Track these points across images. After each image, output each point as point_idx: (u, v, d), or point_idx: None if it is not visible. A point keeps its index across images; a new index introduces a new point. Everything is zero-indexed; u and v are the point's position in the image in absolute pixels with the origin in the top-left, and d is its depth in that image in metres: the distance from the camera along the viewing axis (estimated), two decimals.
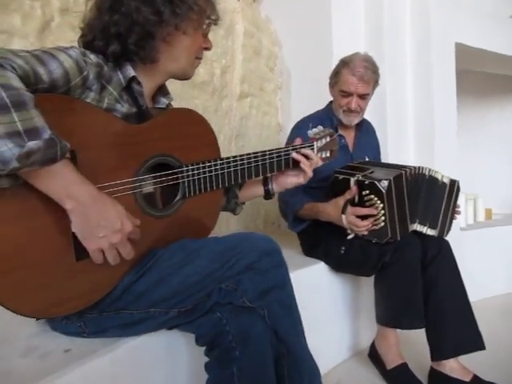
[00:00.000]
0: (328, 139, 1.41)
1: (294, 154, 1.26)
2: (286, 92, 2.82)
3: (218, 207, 1.15)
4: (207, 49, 1.12)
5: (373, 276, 1.76)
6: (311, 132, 1.38)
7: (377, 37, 2.50)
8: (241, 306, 0.94)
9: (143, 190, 0.97)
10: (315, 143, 1.34)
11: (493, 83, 3.59)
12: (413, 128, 2.62)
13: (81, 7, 1.72)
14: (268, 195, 1.37)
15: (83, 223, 0.81)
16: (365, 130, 2.04)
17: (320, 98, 2.56)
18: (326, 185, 1.79)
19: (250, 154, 1.14)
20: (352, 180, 1.64)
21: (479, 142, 3.73)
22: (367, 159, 1.96)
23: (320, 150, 1.37)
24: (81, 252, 0.85)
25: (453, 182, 1.75)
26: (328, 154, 1.43)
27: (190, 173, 1.02)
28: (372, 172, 1.67)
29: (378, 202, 1.57)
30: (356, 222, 1.60)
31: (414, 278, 1.64)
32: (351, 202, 1.64)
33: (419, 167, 1.69)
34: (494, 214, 3.39)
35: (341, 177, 1.71)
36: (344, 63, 1.85)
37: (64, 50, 0.88)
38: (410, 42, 2.57)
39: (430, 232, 1.75)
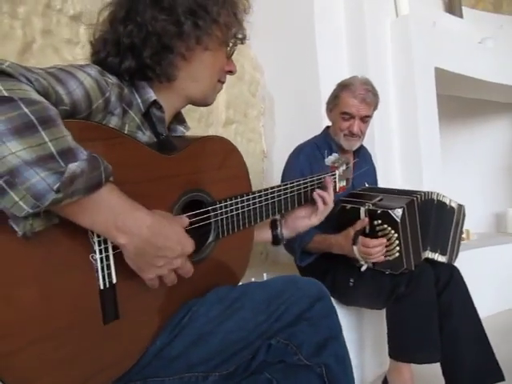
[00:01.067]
0: (345, 167, 1.33)
1: (317, 193, 1.16)
2: (270, 118, 2.75)
3: (251, 246, 1.02)
4: (231, 72, 0.99)
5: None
6: (328, 160, 1.30)
7: (361, 61, 2.50)
8: (295, 364, 0.81)
9: None
10: (336, 172, 1.25)
11: (462, 107, 3.71)
12: (399, 151, 2.62)
13: (64, 29, 1.59)
14: (276, 241, 1.22)
15: (139, 257, 0.68)
16: (362, 155, 1.98)
17: (305, 123, 2.51)
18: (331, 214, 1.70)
19: (280, 185, 1.03)
20: (362, 209, 1.56)
21: (451, 164, 3.82)
22: (366, 185, 1.90)
23: (339, 179, 1.28)
24: (109, 313, 0.70)
25: (460, 207, 1.72)
26: (344, 184, 1.35)
27: (223, 210, 0.89)
28: (381, 200, 1.60)
29: (392, 231, 1.49)
30: (368, 250, 1.51)
31: (431, 309, 1.56)
32: (362, 232, 1.56)
33: (428, 192, 1.64)
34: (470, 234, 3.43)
35: (348, 206, 1.63)
36: (344, 86, 1.80)
37: (80, 67, 0.74)
38: (392, 66, 2.60)
39: (441, 259, 1.69)
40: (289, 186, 1.06)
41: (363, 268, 1.59)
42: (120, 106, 0.80)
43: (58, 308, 0.64)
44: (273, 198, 1.00)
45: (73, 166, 0.58)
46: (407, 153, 2.60)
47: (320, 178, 1.19)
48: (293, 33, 2.53)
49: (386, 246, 1.50)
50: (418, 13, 2.70)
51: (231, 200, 0.91)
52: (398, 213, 1.47)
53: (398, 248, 1.50)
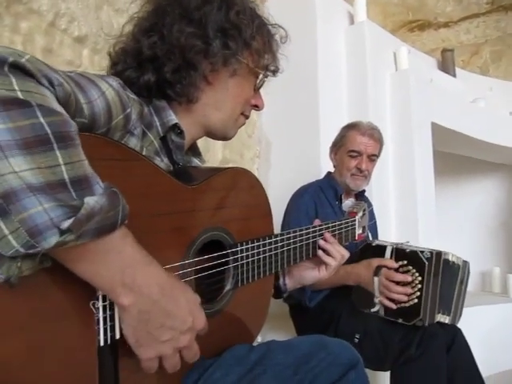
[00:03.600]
0: (361, 213, 1.24)
1: (322, 242, 1.00)
2: (265, 161, 2.68)
3: (269, 298, 0.89)
4: (257, 107, 0.89)
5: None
6: (346, 205, 1.22)
7: (360, 111, 2.47)
8: None
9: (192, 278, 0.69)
10: (356, 217, 1.15)
11: (452, 163, 3.74)
12: (394, 205, 2.56)
13: (66, 50, 1.50)
14: (278, 293, 1.05)
15: (141, 325, 0.54)
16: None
17: (301, 170, 2.44)
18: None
19: (304, 228, 0.92)
20: (389, 247, 1.48)
21: (438, 219, 3.80)
22: (370, 238, 1.80)
23: (358, 225, 1.19)
24: (107, 377, 0.55)
25: (464, 263, 1.63)
26: (361, 231, 1.25)
27: (244, 254, 0.76)
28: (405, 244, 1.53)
29: (417, 274, 1.42)
30: (390, 285, 1.40)
31: (441, 376, 1.43)
32: None
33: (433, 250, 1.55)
34: None
35: (374, 243, 1.56)
36: (350, 126, 1.80)
37: (102, 76, 0.64)
38: (390, 117, 2.59)
39: (444, 319, 1.58)
40: (317, 228, 0.95)
41: (375, 308, 1.46)
42: (140, 125, 0.69)
43: (45, 370, 0.50)
44: (295, 242, 0.89)
45: (91, 201, 0.46)
46: (403, 208, 2.55)
47: (348, 223, 1.08)
48: (295, 78, 2.50)
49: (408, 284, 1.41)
50: (417, 68, 2.75)
51: (254, 243, 0.78)
52: (426, 255, 1.41)
53: (418, 293, 1.41)
